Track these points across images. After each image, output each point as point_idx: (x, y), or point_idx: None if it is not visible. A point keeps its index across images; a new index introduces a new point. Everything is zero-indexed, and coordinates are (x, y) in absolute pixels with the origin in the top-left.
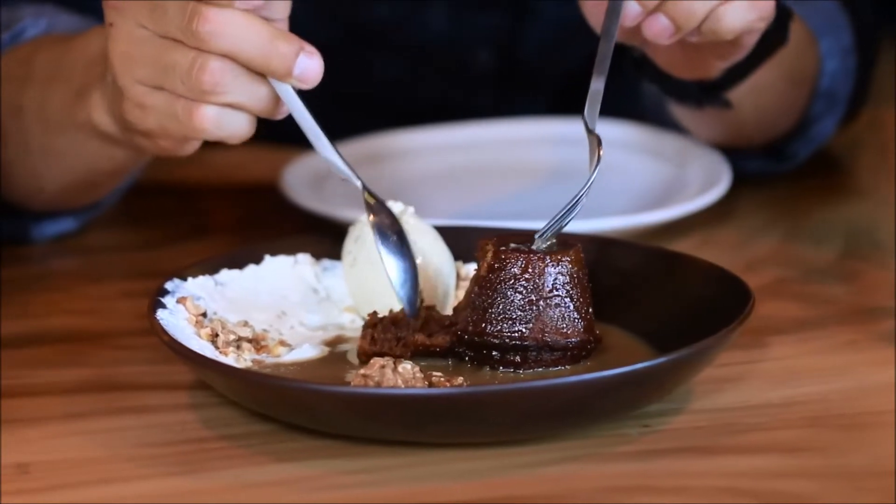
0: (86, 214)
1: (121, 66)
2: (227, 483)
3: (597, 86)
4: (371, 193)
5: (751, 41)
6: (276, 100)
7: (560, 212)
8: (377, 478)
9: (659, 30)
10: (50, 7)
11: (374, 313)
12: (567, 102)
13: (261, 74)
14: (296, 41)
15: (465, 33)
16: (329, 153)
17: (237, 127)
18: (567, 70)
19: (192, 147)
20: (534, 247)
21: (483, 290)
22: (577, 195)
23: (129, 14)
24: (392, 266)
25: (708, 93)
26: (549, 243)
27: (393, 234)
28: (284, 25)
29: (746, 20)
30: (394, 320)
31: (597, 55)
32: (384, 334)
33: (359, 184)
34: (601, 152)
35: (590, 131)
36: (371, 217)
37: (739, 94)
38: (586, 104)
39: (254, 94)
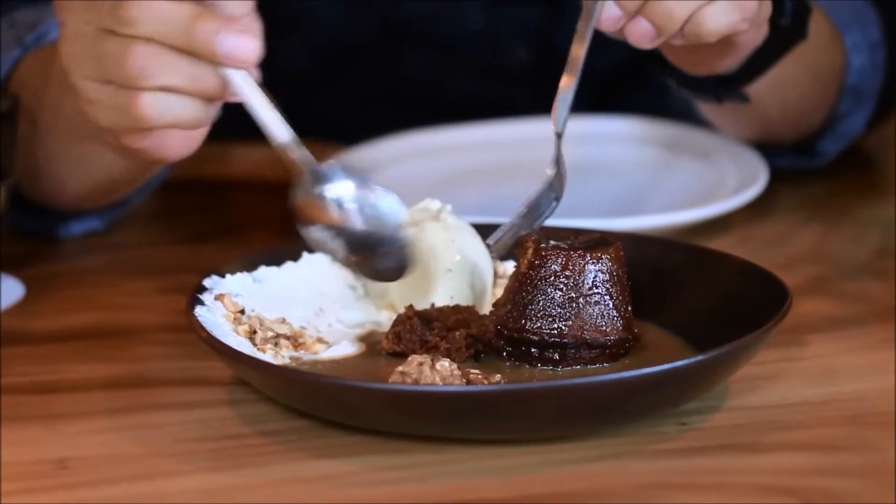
0: (111, 213)
1: (69, 64)
2: (266, 479)
3: (566, 87)
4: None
5: (746, 39)
6: (220, 81)
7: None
8: (416, 474)
9: (640, 34)
10: None
11: (411, 306)
12: (604, 99)
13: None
14: (220, 20)
15: (502, 29)
16: (284, 138)
17: (183, 112)
18: (604, 67)
19: (177, 145)
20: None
21: (523, 287)
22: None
23: (73, 11)
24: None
25: (725, 87)
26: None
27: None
28: (250, 21)
29: (729, 22)
30: (425, 317)
31: (568, 56)
32: (410, 334)
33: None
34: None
35: (557, 133)
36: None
37: (760, 89)
38: (554, 104)
39: (190, 76)
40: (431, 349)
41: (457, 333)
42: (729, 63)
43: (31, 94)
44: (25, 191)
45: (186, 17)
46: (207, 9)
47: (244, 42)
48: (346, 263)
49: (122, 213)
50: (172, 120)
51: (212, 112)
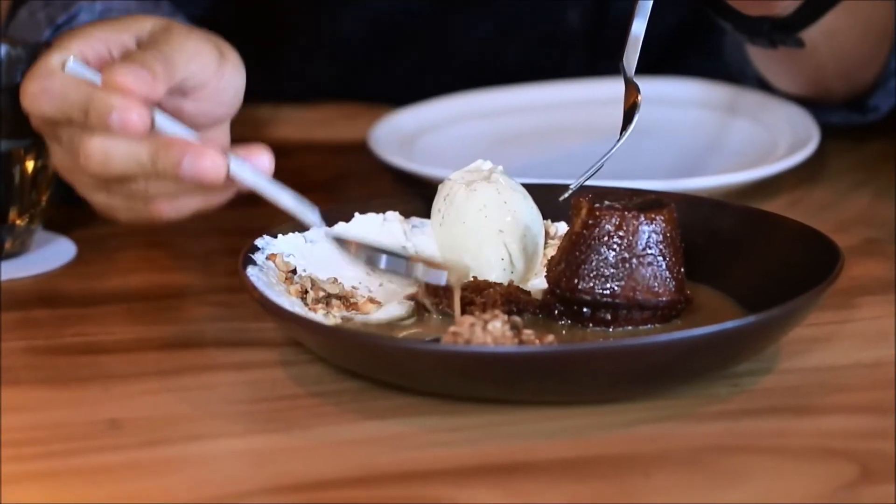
0: None
1: (72, 180)
2: (318, 441)
3: (636, 31)
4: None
5: None
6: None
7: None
8: (469, 436)
9: None
10: None
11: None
12: (661, 64)
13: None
14: (178, 148)
15: None
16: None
17: (198, 204)
18: (658, 33)
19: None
20: (561, 199)
21: (576, 247)
22: (614, 145)
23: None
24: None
25: (780, 31)
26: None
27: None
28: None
29: None
30: (478, 287)
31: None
32: (444, 289)
33: (322, 229)
34: (639, 99)
35: (628, 79)
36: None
37: (814, 36)
38: (625, 49)
39: (181, 187)
40: (467, 304)
41: (491, 290)
42: (786, 4)
43: None
44: None
45: (147, 156)
46: (166, 139)
47: (203, 163)
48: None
49: None
50: (189, 212)
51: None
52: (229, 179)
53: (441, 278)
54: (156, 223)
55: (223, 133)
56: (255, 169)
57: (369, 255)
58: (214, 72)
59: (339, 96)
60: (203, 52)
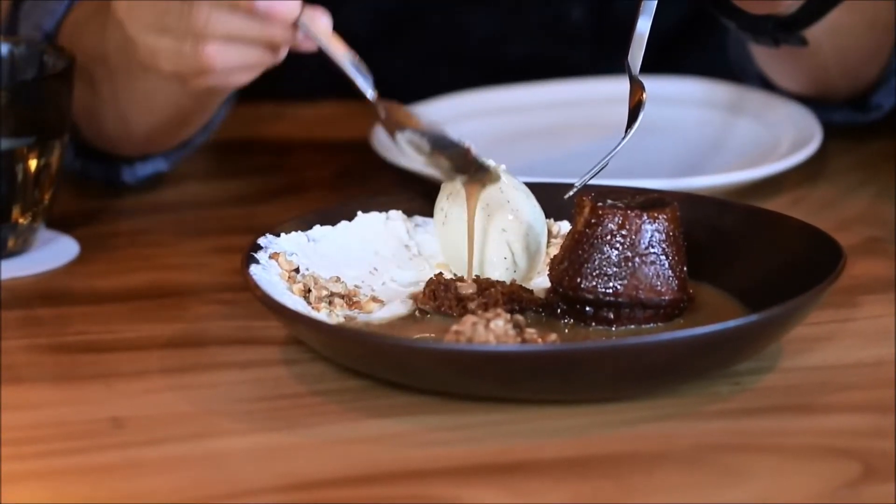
0: (176, 154)
1: (126, 18)
2: (320, 439)
3: (641, 29)
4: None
5: None
6: (283, 30)
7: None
8: (471, 434)
9: None
10: None
11: (440, 274)
12: (664, 60)
13: None
14: None
15: None
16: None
17: (248, 57)
18: (663, 27)
19: (244, 79)
20: (566, 197)
21: (579, 246)
22: (619, 142)
23: None
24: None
25: (783, 29)
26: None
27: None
28: None
29: None
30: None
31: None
32: (445, 291)
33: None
34: (644, 97)
35: (632, 77)
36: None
37: (818, 34)
38: (630, 48)
39: (253, 26)
40: (467, 302)
41: (492, 289)
42: (790, 3)
43: (90, 39)
44: (89, 137)
45: None
46: None
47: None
48: (430, 159)
49: (186, 154)
50: (237, 64)
51: (280, 53)
52: (295, 28)
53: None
54: (200, 72)
55: None
56: (319, 27)
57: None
58: None
59: (341, 90)
60: None
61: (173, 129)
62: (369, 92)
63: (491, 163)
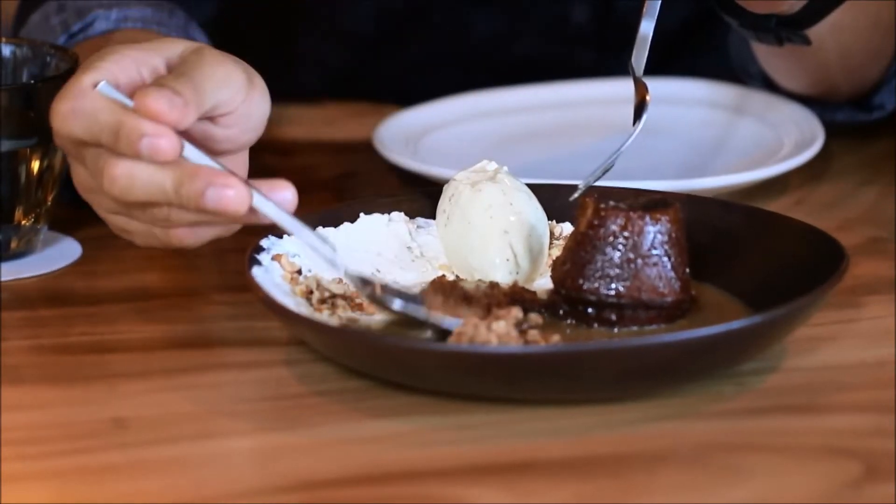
0: None
1: (90, 200)
2: (323, 439)
3: (645, 31)
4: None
5: None
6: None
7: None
8: (474, 434)
9: None
10: None
11: (443, 276)
12: (667, 61)
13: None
14: (202, 178)
15: None
16: (309, 239)
17: (217, 232)
18: (666, 28)
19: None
20: (571, 199)
21: (581, 247)
22: (623, 143)
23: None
24: None
25: (786, 28)
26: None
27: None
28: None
29: None
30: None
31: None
32: (451, 289)
33: (341, 269)
34: (648, 99)
35: (636, 78)
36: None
37: (821, 33)
38: (634, 49)
39: (203, 216)
40: (472, 301)
41: (495, 289)
42: (793, 2)
43: None
44: None
45: (171, 184)
46: (191, 167)
47: (228, 194)
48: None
49: None
50: (208, 238)
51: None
52: (251, 211)
53: (454, 326)
54: (173, 247)
55: (243, 159)
56: (277, 203)
57: (388, 297)
58: (243, 98)
59: (344, 90)
60: (233, 78)
61: None
62: (338, 263)
63: (493, 164)
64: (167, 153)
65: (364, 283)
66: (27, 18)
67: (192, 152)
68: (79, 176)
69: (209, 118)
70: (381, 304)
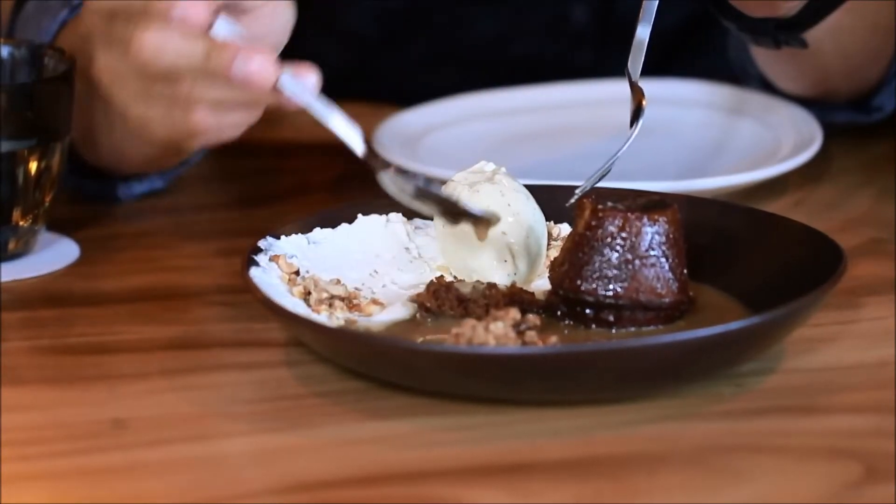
0: (173, 173)
1: (112, 92)
2: (322, 440)
3: (641, 35)
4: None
5: None
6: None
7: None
8: (473, 435)
9: None
10: None
11: (441, 277)
12: (665, 62)
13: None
14: (231, 49)
15: None
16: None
17: (237, 117)
18: (664, 29)
19: (234, 134)
20: (567, 204)
21: (579, 248)
22: (619, 148)
23: (101, 49)
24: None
25: (784, 31)
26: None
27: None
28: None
29: None
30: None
31: (643, 3)
32: (447, 292)
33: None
34: (644, 103)
35: (633, 83)
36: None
37: (819, 35)
38: (630, 54)
39: (228, 93)
40: (469, 303)
41: (493, 290)
42: (791, 5)
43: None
44: (85, 155)
45: (200, 53)
46: (220, 41)
47: (255, 66)
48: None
49: (183, 172)
50: (226, 124)
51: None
52: (276, 90)
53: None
54: (191, 136)
55: None
56: (304, 85)
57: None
58: None
59: (344, 90)
60: None
61: (168, 157)
62: (360, 147)
63: (491, 165)
64: (198, 19)
65: (406, 175)
66: (22, 7)
67: (224, 28)
68: (101, 60)
69: (239, 10)
70: (427, 197)
